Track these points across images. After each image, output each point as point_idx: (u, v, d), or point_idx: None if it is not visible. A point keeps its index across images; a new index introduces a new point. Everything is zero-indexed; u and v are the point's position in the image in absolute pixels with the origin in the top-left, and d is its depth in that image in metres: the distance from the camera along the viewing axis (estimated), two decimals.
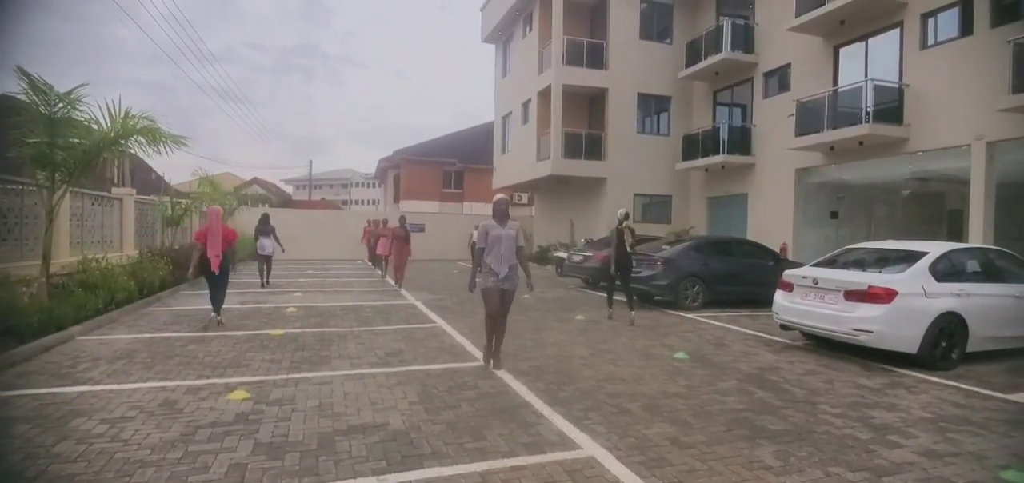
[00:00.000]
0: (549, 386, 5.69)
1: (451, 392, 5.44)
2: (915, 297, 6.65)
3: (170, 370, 5.99)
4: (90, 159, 7.76)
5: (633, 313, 9.86)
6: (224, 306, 9.03)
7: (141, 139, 7.91)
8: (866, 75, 13.96)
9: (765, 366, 6.76)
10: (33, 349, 6.47)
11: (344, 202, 70.84)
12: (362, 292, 13.38)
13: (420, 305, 11.29)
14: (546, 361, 6.80)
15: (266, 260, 13.82)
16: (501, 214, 6.41)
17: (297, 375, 5.91)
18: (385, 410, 4.86)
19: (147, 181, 27.57)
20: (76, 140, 7.53)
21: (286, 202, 35.51)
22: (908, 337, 6.59)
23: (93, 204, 10.82)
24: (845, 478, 3.68)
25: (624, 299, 10.32)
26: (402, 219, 14.78)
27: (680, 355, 7.16)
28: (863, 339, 6.70)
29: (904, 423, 4.79)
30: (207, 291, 8.73)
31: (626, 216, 10.34)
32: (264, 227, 13.76)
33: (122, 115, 7.75)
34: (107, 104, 7.73)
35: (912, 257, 7.14)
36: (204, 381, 5.61)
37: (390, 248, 14.88)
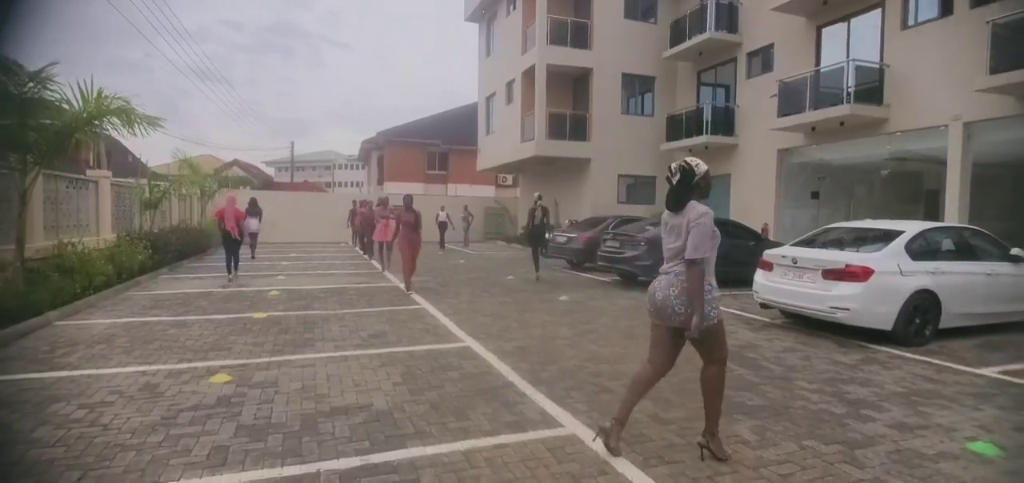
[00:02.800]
0: (533, 366, 5.74)
1: (434, 372, 5.46)
2: (891, 275, 6.78)
3: (150, 354, 5.93)
4: (62, 140, 7.57)
5: (538, 273, 13.06)
6: (206, 291, 9.85)
7: (115, 120, 7.72)
8: (848, 56, 14.08)
9: (744, 344, 6.87)
10: (8, 335, 6.36)
11: (328, 184, 70.10)
12: (346, 275, 13.32)
13: (404, 287, 11.26)
14: (530, 342, 6.84)
15: (253, 236, 16.16)
16: (685, 189, 3.54)
17: (280, 358, 5.88)
18: (368, 391, 4.87)
19: (124, 163, 27.00)
20: (48, 121, 7.32)
21: (267, 184, 35.03)
22: (883, 314, 6.74)
23: (68, 187, 10.59)
24: (819, 451, 3.77)
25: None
26: (408, 199, 11.09)
27: None
28: (840, 317, 6.83)
29: (877, 398, 4.92)
30: (185, 275, 8.68)
31: (540, 197, 13.77)
32: (253, 209, 15.75)
33: (95, 95, 7.56)
34: (80, 84, 7.53)
35: (888, 236, 7.28)
36: (186, 365, 5.56)
37: (393, 235, 12.39)
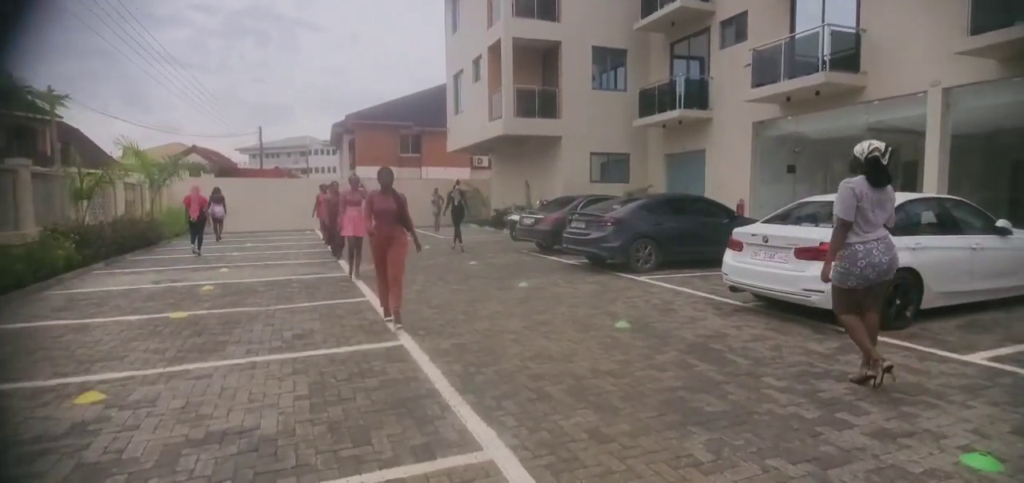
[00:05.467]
0: (467, 368, 5.01)
1: (351, 380, 4.71)
2: None
3: (22, 368, 5.09)
4: None
5: (460, 243, 15.69)
6: (132, 287, 9.42)
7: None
8: (823, 20, 13.41)
9: (711, 333, 6.21)
10: None
11: (303, 170, 68.35)
12: (297, 265, 12.45)
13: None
14: (473, 337, 6.11)
15: (219, 221, 18.29)
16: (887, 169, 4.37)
17: (176, 367, 5.08)
18: (262, 408, 4.10)
19: (86, 152, 25.67)
20: None
21: (225, 170, 33.55)
22: None
23: None
24: (785, 474, 3.10)
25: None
26: (386, 175, 6.65)
27: (621, 324, 6.56)
28: (815, 300, 6.19)
29: (855, 395, 4.27)
30: (121, 270, 7.81)
31: (458, 182, 17.87)
32: (216, 196, 17.93)
33: None
34: None
35: None
36: (57, 381, 4.74)
37: (364, 229, 7.23)
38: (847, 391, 4.35)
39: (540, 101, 19.60)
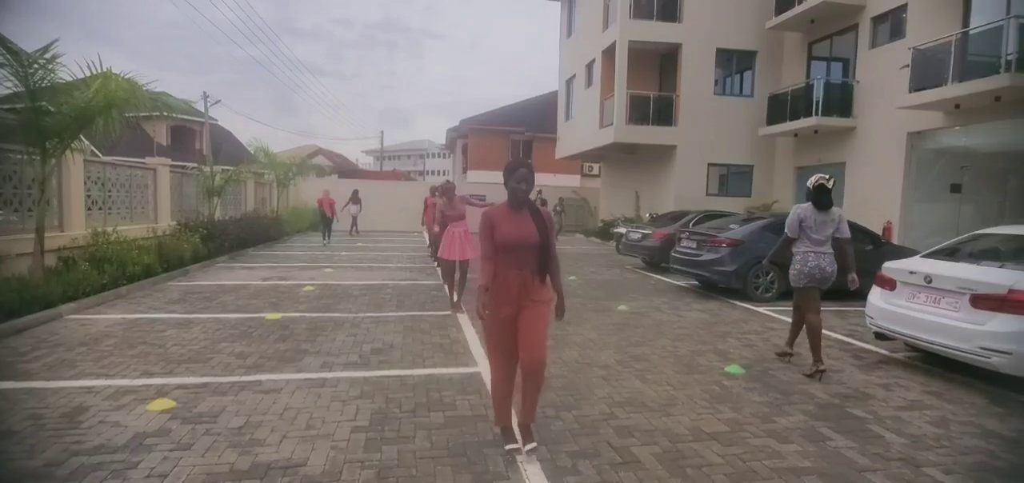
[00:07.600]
0: (544, 410, 4.41)
1: (416, 412, 4.29)
2: None
3: (119, 363, 5.26)
4: (80, 125, 7.20)
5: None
6: (243, 283, 9.84)
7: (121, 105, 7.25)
8: (1008, 11, 11.13)
9: (849, 391, 5.06)
10: (3, 330, 6.01)
11: (420, 173, 71.55)
12: (395, 269, 12.53)
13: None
14: (557, 370, 5.47)
15: (354, 218, 21.19)
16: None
17: (251, 377, 4.99)
18: (317, 438, 3.79)
19: (234, 153, 28.57)
20: (64, 106, 6.95)
21: (347, 172, 35.61)
22: None
23: (119, 172, 10.57)
24: None
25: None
26: (520, 178, 3.56)
27: (733, 369, 5.59)
28: (997, 362, 4.83)
29: None
30: (239, 265, 8.17)
31: (540, 191, 18.77)
32: (354, 198, 21.24)
33: (101, 77, 7.13)
34: (89, 64, 7.15)
35: None
36: (142, 381, 4.80)
37: (462, 251, 6.97)
38: None
39: (655, 107, 18.45)
